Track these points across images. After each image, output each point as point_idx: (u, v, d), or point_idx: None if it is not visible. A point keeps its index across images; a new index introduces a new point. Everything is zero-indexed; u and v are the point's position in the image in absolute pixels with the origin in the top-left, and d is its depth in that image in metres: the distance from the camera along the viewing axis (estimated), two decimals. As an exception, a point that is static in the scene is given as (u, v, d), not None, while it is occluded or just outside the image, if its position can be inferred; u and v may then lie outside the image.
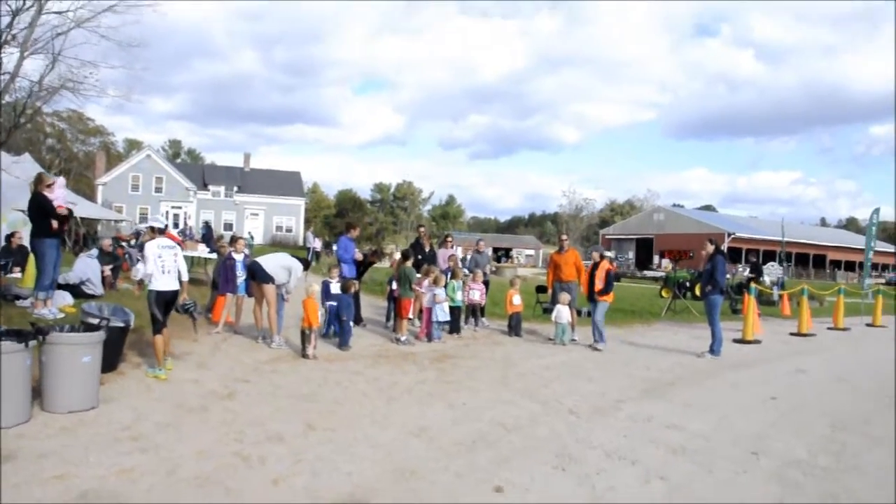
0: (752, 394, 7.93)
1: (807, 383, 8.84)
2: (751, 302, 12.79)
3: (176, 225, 42.26)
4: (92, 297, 10.13)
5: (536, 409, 6.64)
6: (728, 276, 16.63)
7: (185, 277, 7.23)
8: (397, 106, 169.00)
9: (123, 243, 17.49)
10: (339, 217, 68.46)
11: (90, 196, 44.17)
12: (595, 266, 11.15)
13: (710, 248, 10.94)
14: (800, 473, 5.03)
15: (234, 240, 11.03)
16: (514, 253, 70.15)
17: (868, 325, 17.48)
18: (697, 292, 18.08)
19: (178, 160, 78.91)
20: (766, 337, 12.95)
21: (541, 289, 14.11)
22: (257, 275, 9.24)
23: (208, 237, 23.29)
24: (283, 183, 59.35)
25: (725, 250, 35.45)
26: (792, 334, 14.18)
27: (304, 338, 8.66)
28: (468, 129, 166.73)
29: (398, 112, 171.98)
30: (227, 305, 10.10)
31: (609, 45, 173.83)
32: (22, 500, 3.76)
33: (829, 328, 15.81)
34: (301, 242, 47.88)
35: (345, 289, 9.83)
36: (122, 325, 6.75)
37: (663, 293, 21.86)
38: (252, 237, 40.41)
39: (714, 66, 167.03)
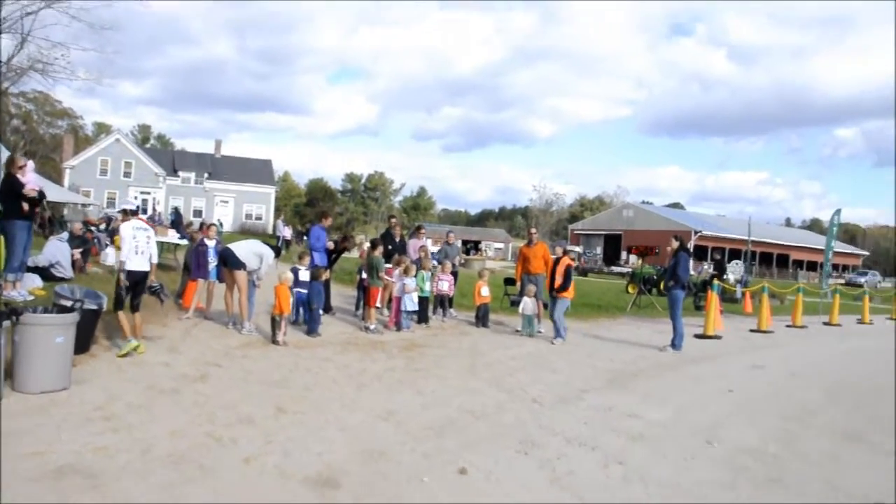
0: (711, 386, 8.23)
1: (762, 377, 9.17)
2: (713, 298, 13.17)
3: (144, 210, 41.65)
4: (61, 279, 10.05)
5: (502, 398, 6.83)
6: (693, 273, 17.04)
7: (155, 260, 7.51)
8: (371, 96, 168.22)
9: (93, 228, 17.29)
10: (309, 206, 68.32)
11: (57, 179, 43.42)
12: (556, 261, 11.30)
13: (675, 244, 11.21)
14: (750, 459, 5.30)
15: (205, 226, 11.05)
16: (483, 246, 70.65)
17: (825, 323, 18.04)
18: (662, 288, 18.44)
19: (148, 145, 77.67)
20: (727, 333, 13.31)
21: (509, 281, 14.32)
22: (229, 261, 9.28)
23: (177, 223, 23.12)
24: (254, 171, 58.94)
25: (692, 248, 36.45)
26: (752, 331, 14.61)
27: (275, 324, 8.75)
28: (442, 120, 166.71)
29: (372, 102, 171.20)
30: (198, 291, 10.14)
31: (586, 41, 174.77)
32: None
33: (787, 326, 16.29)
34: (271, 231, 47.61)
35: (315, 276, 9.87)
36: (94, 307, 6.80)
37: (629, 289, 22.23)
38: (222, 224, 40.03)
39: (689, 64, 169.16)
